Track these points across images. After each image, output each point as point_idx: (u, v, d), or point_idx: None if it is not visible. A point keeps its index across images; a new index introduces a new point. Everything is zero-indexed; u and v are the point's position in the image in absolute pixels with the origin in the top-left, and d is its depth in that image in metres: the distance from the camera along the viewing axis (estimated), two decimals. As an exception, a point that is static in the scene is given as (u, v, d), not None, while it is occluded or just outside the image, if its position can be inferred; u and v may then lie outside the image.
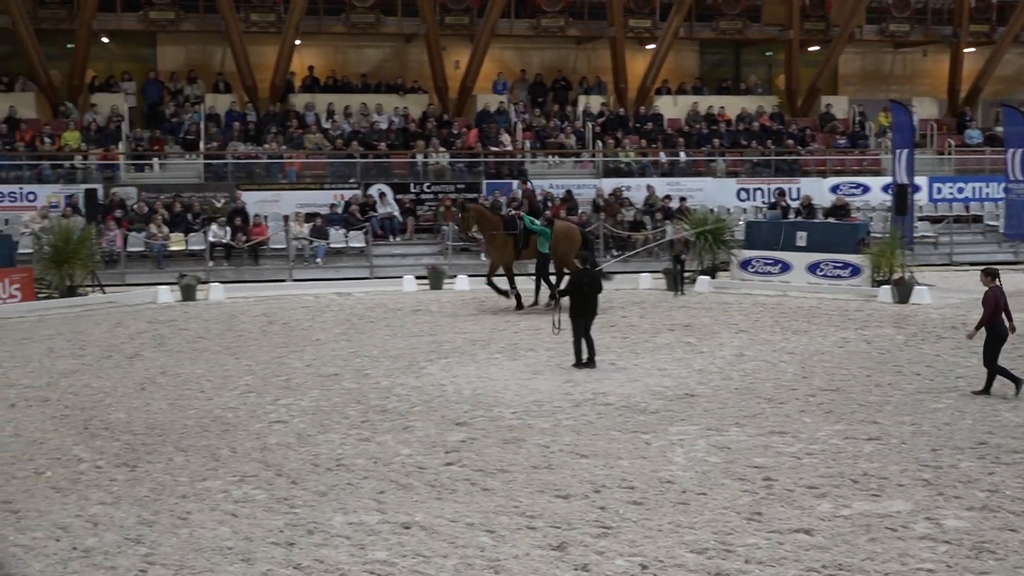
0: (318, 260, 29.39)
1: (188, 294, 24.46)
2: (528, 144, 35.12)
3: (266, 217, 29.97)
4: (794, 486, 9.91)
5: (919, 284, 23.73)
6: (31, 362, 16.77)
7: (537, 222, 23.27)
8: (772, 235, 26.74)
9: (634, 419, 12.64)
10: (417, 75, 37.55)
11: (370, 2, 35.08)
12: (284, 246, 29.18)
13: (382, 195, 31.54)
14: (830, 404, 13.32)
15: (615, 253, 30.52)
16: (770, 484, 9.98)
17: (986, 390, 13.65)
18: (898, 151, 29.06)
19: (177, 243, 29.06)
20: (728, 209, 31.93)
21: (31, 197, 30.02)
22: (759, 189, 34.12)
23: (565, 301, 16.35)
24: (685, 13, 36.37)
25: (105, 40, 35.69)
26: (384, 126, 34.62)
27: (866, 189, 34.76)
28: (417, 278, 26.57)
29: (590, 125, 35.69)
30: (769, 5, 39.03)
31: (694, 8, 37.08)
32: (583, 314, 15.66)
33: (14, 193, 30.21)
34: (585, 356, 15.70)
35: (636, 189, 33.17)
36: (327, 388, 14.60)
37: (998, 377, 13.65)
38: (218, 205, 30.28)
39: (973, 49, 40.07)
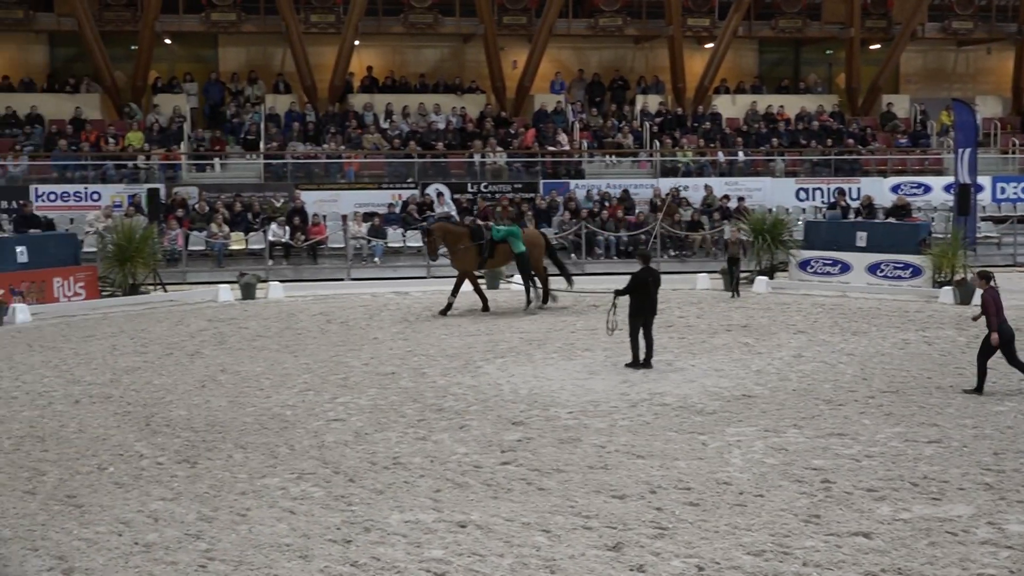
0: (376, 259, 29.57)
1: (248, 293, 24.71)
2: (585, 144, 35.08)
3: (325, 217, 30.21)
4: (853, 489, 9.82)
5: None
6: (95, 359, 17.03)
7: (502, 228, 23.13)
8: (832, 235, 26.51)
9: (691, 420, 12.59)
10: (475, 75, 37.67)
11: (428, 2, 35.24)
12: (342, 245, 29.39)
13: (439, 195, 31.66)
14: (890, 406, 13.17)
15: (672, 253, 30.44)
16: (828, 486, 9.90)
17: (979, 389, 13.80)
18: (961, 150, 28.68)
19: (237, 242, 29.37)
20: (787, 209, 31.67)
21: (95, 197, 30.49)
22: (818, 189, 33.81)
23: (611, 299, 16.37)
24: (744, 11, 36.15)
25: (168, 41, 36.19)
26: (442, 126, 34.75)
27: (928, 189, 34.30)
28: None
29: (648, 125, 35.58)
30: (829, 3, 38.68)
31: (753, 6, 36.82)
32: (644, 313, 15.61)
33: (79, 193, 30.69)
34: (642, 356, 15.66)
35: (694, 189, 33.03)
36: (384, 387, 14.68)
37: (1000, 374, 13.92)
38: (278, 205, 30.55)
39: (1038, 46, 39.44)
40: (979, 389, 13.77)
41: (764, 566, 8.02)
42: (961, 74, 41.43)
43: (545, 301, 22.63)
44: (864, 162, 35.44)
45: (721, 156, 34.77)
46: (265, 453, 11.30)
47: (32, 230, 25.34)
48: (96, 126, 33.35)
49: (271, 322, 20.90)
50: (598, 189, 32.44)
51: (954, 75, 41.46)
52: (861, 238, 25.88)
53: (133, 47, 34.97)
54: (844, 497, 9.59)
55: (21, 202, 28.54)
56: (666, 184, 32.83)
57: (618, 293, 16.03)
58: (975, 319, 14.33)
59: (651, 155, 35.04)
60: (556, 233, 30.40)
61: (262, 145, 33.46)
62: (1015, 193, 34.55)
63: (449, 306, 21.69)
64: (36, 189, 30.40)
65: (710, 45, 37.55)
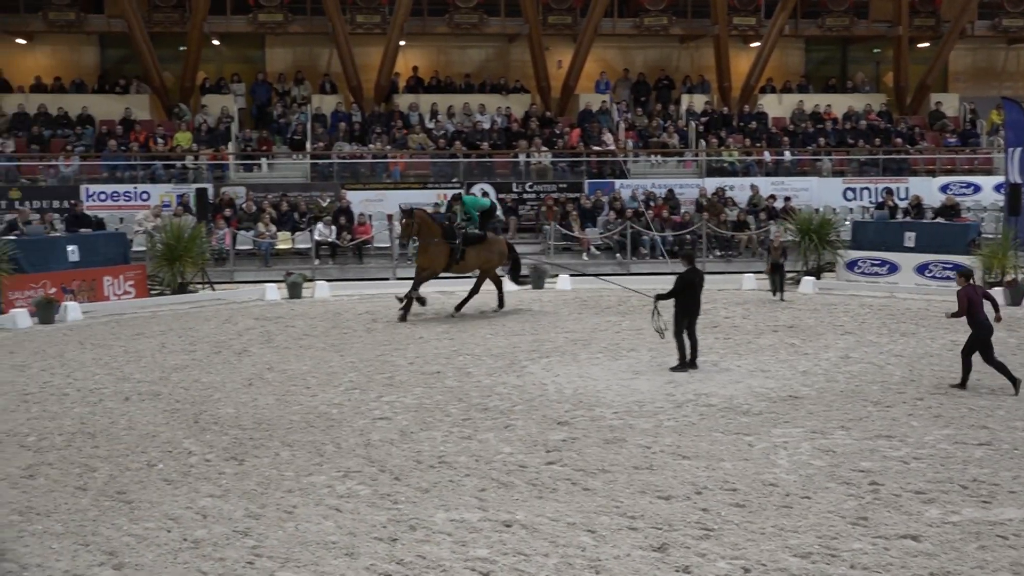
0: (421, 259, 29.64)
1: (294, 292, 24.88)
2: (630, 143, 35.00)
3: (370, 216, 30.34)
4: (901, 491, 9.74)
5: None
6: (144, 357, 17.22)
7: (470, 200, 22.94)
8: (880, 235, 26.28)
9: (737, 421, 12.54)
10: (520, 75, 37.69)
11: (474, 2, 35.30)
12: (388, 245, 29.51)
13: (484, 194, 31.70)
14: (939, 408, 13.06)
15: (717, 254, 30.32)
16: (876, 489, 9.83)
17: (963, 384, 14.17)
18: (1011, 150, 28.29)
19: (284, 241, 29.58)
20: (834, 209, 31.42)
21: (144, 196, 30.81)
22: (866, 189, 33.52)
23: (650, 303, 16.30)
24: (791, 10, 35.89)
25: (216, 42, 36.52)
26: (487, 126, 34.80)
27: (977, 189, 33.89)
28: (519, 277, 26.64)
29: (693, 124, 35.44)
30: (877, 1, 38.29)
31: (800, 5, 36.57)
32: (690, 314, 15.56)
33: (128, 192, 31.02)
34: (688, 356, 15.62)
35: (739, 189, 32.86)
36: (430, 386, 14.73)
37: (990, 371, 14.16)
38: (324, 204, 30.74)
39: (1091, 44, 38.92)
40: (963, 384, 14.12)
41: (811, 568, 7.98)
42: (1011, 72, 40.89)
43: (501, 306, 22.37)
44: (912, 162, 35.08)
45: (767, 156, 34.56)
46: (311, 451, 11.38)
47: (83, 229, 25.64)
48: (145, 126, 33.71)
49: (317, 321, 21.04)
50: (643, 189, 32.35)
51: (1004, 73, 40.94)
52: (909, 238, 25.67)
53: (181, 48, 35.32)
54: (892, 499, 9.52)
55: (72, 202, 28.90)
56: (711, 184, 32.70)
57: (660, 297, 15.79)
58: (950, 316, 14.69)
59: (696, 155, 34.90)
60: (601, 233, 30.40)
61: (308, 145, 33.67)
62: (1066, 193, 34.08)
63: (411, 301, 20.97)
64: (87, 189, 30.77)
65: (756, 44, 37.34)
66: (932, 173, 34.66)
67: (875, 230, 26.94)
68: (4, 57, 35.68)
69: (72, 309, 21.75)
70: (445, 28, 35.86)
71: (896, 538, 8.57)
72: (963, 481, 10.03)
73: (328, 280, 26.06)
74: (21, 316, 20.83)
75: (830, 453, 11.04)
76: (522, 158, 33.59)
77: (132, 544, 8.66)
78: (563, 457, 11.02)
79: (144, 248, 26.77)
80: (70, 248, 23.51)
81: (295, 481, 10.31)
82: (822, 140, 35.30)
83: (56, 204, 29.86)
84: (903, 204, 31.71)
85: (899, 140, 35.56)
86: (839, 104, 37.32)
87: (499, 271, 22.80)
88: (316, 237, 29.16)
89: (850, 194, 33.46)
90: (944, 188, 33.42)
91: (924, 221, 29.22)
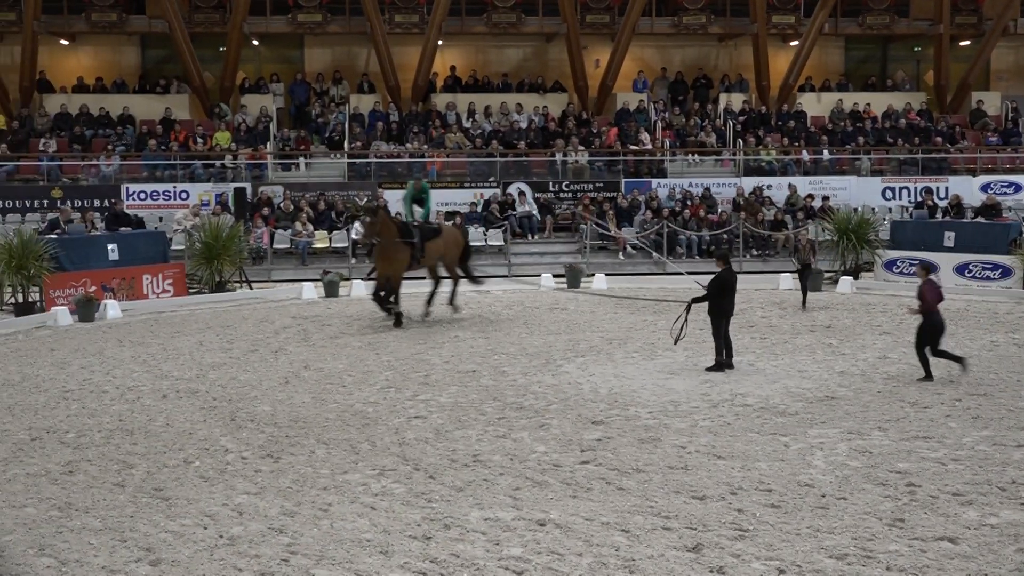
0: (458, 258, 29.69)
1: (331, 290, 25.00)
2: (668, 143, 34.91)
3: (407, 215, 30.43)
4: (938, 493, 9.66)
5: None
6: (182, 355, 17.35)
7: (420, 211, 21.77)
8: (919, 235, 26.07)
9: (773, 421, 12.47)
10: (557, 74, 37.70)
11: (512, 2, 35.35)
12: (424, 244, 29.56)
13: (521, 194, 31.73)
14: (977, 409, 12.93)
15: (754, 253, 30.18)
16: (913, 490, 9.75)
17: (928, 376, 14.57)
18: (1054, 148, 28.04)
19: (321, 240, 29.75)
20: (873, 208, 31.21)
21: (184, 195, 31.09)
22: (905, 188, 33.27)
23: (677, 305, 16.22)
24: (830, 8, 35.69)
25: (255, 43, 36.75)
26: (524, 125, 34.82)
27: (1019, 188, 33.55)
28: (555, 276, 26.66)
29: (731, 123, 35.30)
30: (918, -1, 38.06)
31: (840, 3, 36.34)
32: (726, 314, 15.50)
33: (168, 191, 31.30)
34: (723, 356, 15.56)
35: (777, 188, 32.70)
36: (465, 384, 14.75)
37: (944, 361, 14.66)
38: (361, 203, 30.85)
39: None
40: (928, 376, 14.53)
41: (846, 570, 7.93)
42: (1055, 70, 40.51)
43: (452, 302, 21.50)
44: (952, 161, 34.78)
45: (805, 155, 34.37)
46: (347, 449, 11.43)
47: (123, 228, 25.88)
48: (185, 126, 34.00)
49: (353, 320, 21.12)
50: (680, 188, 32.26)
51: (1048, 71, 40.56)
52: (949, 238, 25.47)
53: (221, 48, 35.59)
54: (929, 501, 9.44)
55: (113, 200, 29.18)
56: (749, 183, 32.55)
57: (696, 300, 15.73)
58: (910, 311, 14.95)
59: (734, 154, 34.77)
60: (638, 232, 30.34)
61: (346, 144, 33.82)
62: (1109, 192, 33.70)
63: (399, 314, 20.15)
64: (127, 188, 31.10)
65: (795, 43, 37.16)
66: (972, 172, 34.37)
67: (914, 230, 26.75)
68: (47, 58, 36.07)
69: (112, 307, 21.96)
70: (483, 27, 35.93)
71: (933, 540, 8.50)
72: (1001, 483, 9.92)
73: (364, 279, 26.11)
74: (62, 314, 21.06)
75: (867, 454, 10.95)
76: (559, 157, 33.58)
77: (169, 540, 8.73)
78: (597, 456, 11.01)
79: (183, 247, 27.02)
80: (110, 247, 23.75)
81: (330, 479, 10.36)
82: (861, 139, 35.06)
83: (97, 203, 30.18)
84: (943, 203, 31.44)
85: (939, 139, 35.25)
86: (879, 103, 37.06)
87: (459, 271, 21.81)
88: (353, 236, 29.27)
89: (889, 193, 33.23)
90: (985, 187, 33.11)
91: (964, 221, 28.96)
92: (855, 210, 28.74)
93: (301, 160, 33.80)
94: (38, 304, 21.93)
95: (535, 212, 31.45)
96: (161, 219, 29.90)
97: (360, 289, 25.15)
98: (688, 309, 15.76)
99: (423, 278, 22.63)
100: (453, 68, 37.19)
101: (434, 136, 33.98)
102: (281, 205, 30.49)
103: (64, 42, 36.34)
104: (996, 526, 8.82)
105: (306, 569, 8.12)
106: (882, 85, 38.81)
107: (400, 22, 35.18)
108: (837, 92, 37.87)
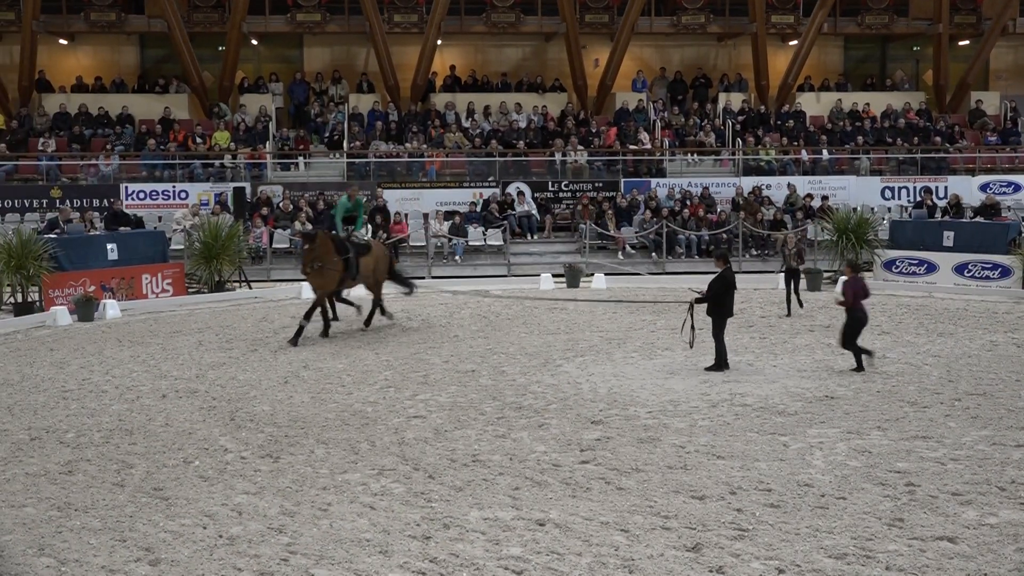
0: (457, 258, 29.75)
1: (330, 290, 24.95)
2: (667, 142, 34.91)
3: (406, 215, 30.47)
4: (938, 492, 9.66)
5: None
6: (181, 355, 17.35)
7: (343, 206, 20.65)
8: (918, 235, 26.08)
9: (772, 421, 12.47)
10: (556, 74, 37.70)
11: (511, 1, 35.36)
12: (424, 243, 29.63)
13: (520, 193, 31.74)
14: (976, 409, 12.93)
15: (753, 253, 30.19)
16: (912, 490, 9.75)
17: (859, 367, 15.22)
18: (1053, 148, 28.06)
19: (320, 240, 29.68)
20: (872, 208, 31.23)
21: (183, 195, 31.08)
22: (904, 188, 33.28)
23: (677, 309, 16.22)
24: (829, 8, 35.70)
25: (254, 42, 36.76)
26: (523, 125, 34.83)
27: (1018, 188, 33.56)
28: (554, 276, 26.67)
29: (730, 123, 35.31)
30: (917, -1, 38.08)
31: (839, 3, 36.35)
32: (727, 315, 15.49)
33: (167, 191, 31.30)
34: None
35: (776, 188, 32.71)
36: (464, 384, 14.75)
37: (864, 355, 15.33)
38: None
39: None
40: (860, 367, 15.19)
41: (846, 570, 7.93)
42: (1054, 70, 40.54)
43: (383, 312, 20.46)
44: (951, 160, 34.79)
45: (804, 154, 34.38)
46: (346, 449, 11.42)
47: (122, 228, 25.88)
48: (184, 126, 33.99)
49: (353, 319, 21.10)
50: (679, 188, 32.28)
51: (1046, 71, 40.59)
52: (948, 238, 25.49)
53: (220, 48, 35.59)
54: (928, 501, 9.44)
55: (112, 200, 29.17)
56: (748, 183, 32.56)
57: (699, 300, 15.72)
58: (838, 303, 15.49)
59: (733, 153, 34.78)
60: (636, 232, 30.36)
61: (345, 144, 33.83)
62: (1109, 192, 33.72)
63: (300, 328, 18.55)
64: (126, 187, 31.09)
65: (794, 42, 37.18)
66: (972, 172, 34.37)
67: (913, 229, 26.76)
68: (46, 57, 36.07)
69: (111, 307, 21.96)
70: (482, 27, 35.93)
71: (932, 540, 8.50)
72: (1000, 483, 9.93)
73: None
74: (61, 314, 21.06)
75: (866, 454, 10.96)
76: (558, 157, 33.58)
77: (168, 540, 8.72)
78: (597, 456, 11.01)
79: (182, 246, 27.02)
80: (109, 246, 23.75)
81: (330, 479, 10.35)
82: (860, 139, 35.07)
83: (96, 203, 30.16)
84: (942, 203, 31.45)
85: (938, 139, 35.26)
86: (878, 102, 37.08)
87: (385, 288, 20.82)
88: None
89: (888, 193, 33.24)
90: (984, 187, 33.12)
91: (963, 220, 28.98)
92: (854, 210, 28.76)
93: (300, 160, 33.81)
94: (37, 304, 21.94)
95: (534, 212, 31.46)
96: (160, 219, 29.90)
97: (360, 288, 25.05)
98: (691, 310, 15.75)
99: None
100: (452, 68, 37.20)
101: (433, 136, 33.99)
102: (280, 205, 30.48)
103: (63, 42, 36.34)
104: (995, 526, 8.82)
105: (305, 569, 8.12)
106: (881, 85, 38.82)
107: (399, 22, 35.19)
108: (836, 92, 37.89)
